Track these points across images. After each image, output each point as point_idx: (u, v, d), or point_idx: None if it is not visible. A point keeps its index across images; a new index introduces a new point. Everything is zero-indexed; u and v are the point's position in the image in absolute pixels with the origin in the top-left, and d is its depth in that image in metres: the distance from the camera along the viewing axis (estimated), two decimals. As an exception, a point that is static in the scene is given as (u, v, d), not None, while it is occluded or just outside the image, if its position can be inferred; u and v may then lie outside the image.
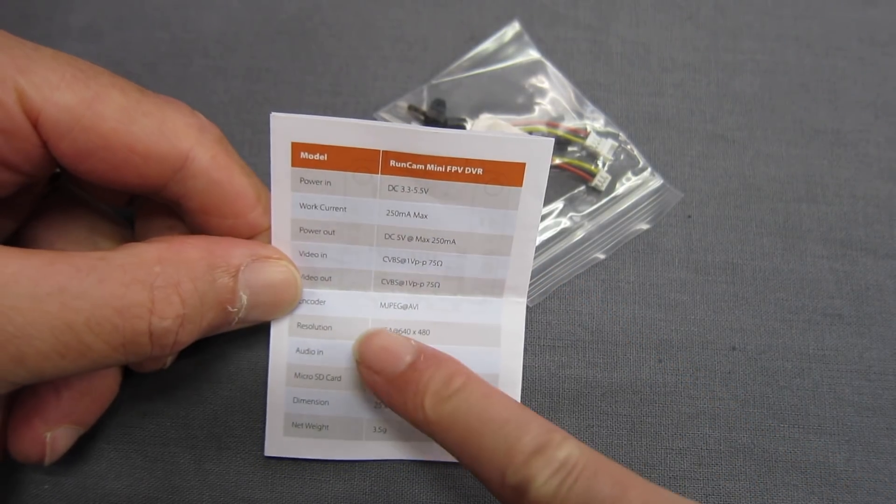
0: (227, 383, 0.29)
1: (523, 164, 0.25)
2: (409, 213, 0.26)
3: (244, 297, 0.24)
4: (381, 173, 0.25)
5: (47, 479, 0.28)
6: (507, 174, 0.25)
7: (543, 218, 0.30)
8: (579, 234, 0.30)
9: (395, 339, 0.25)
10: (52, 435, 0.24)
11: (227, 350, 0.29)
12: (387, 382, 0.25)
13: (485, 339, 0.27)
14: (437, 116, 0.31)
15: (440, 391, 0.23)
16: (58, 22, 0.33)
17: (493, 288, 0.27)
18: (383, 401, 0.25)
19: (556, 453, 0.21)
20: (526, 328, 0.29)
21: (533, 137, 0.25)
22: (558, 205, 0.30)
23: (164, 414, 0.29)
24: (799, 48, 0.33)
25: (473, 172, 0.25)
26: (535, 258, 0.29)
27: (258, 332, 0.29)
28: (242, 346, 0.29)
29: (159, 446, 0.28)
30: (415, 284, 0.27)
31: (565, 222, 0.30)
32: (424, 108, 0.31)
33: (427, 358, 0.25)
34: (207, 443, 0.28)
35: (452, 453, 0.23)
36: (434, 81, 0.32)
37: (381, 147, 0.24)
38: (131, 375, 0.28)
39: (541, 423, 0.22)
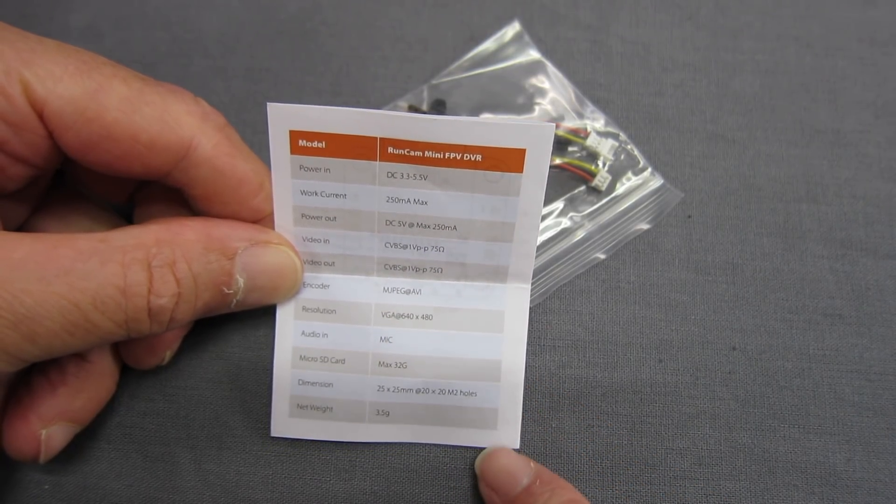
0: (227, 383, 0.29)
1: (523, 151, 0.25)
2: (408, 200, 0.26)
3: (241, 280, 0.24)
4: (380, 160, 0.25)
5: (47, 479, 0.28)
6: (507, 161, 0.25)
7: (543, 218, 0.30)
8: (579, 234, 0.30)
9: (516, 460, 0.27)
10: (47, 432, 0.24)
11: (227, 350, 0.29)
12: (505, 502, 0.26)
13: (488, 325, 0.28)
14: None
15: None
16: (58, 22, 0.33)
17: (497, 274, 0.27)
18: None
19: None
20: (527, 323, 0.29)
21: (533, 123, 0.25)
22: (558, 205, 0.30)
23: (164, 414, 0.29)
24: (799, 48, 0.33)
25: (472, 159, 0.25)
26: (535, 258, 0.29)
27: (259, 332, 0.29)
28: (242, 345, 0.29)
29: (159, 446, 0.28)
30: (417, 270, 0.27)
31: (565, 222, 0.30)
32: (424, 108, 0.31)
33: (543, 483, 0.26)
34: (207, 443, 0.28)
35: None
36: (434, 81, 0.32)
37: (379, 134, 0.24)
38: (130, 375, 0.28)
39: None
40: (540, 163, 0.25)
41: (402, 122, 0.24)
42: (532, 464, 0.27)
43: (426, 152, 0.25)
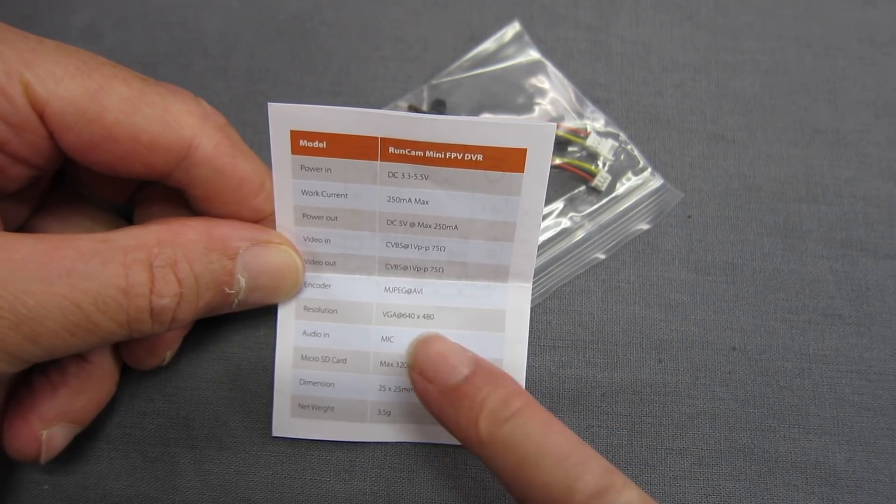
0: (227, 383, 0.29)
1: (524, 150, 0.25)
2: (409, 200, 0.26)
3: (242, 280, 0.24)
4: (381, 160, 0.25)
5: (47, 479, 0.28)
6: (508, 160, 0.25)
7: (544, 218, 0.30)
8: (580, 235, 0.30)
9: (453, 346, 0.24)
10: (48, 433, 0.24)
11: (227, 350, 0.29)
12: (440, 394, 0.23)
13: (489, 325, 0.28)
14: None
15: (497, 411, 0.22)
16: (58, 22, 0.33)
17: (498, 273, 0.27)
18: (433, 413, 0.24)
19: (617, 499, 0.20)
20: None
21: (534, 123, 0.25)
22: (558, 205, 0.30)
23: (164, 414, 0.29)
24: (799, 48, 0.33)
25: (473, 159, 0.25)
26: (535, 258, 0.29)
27: (259, 332, 0.29)
28: (242, 345, 0.29)
29: (159, 446, 0.28)
30: (419, 269, 0.27)
31: (566, 222, 0.30)
32: (424, 108, 0.31)
33: (484, 372, 0.23)
34: (207, 443, 0.28)
35: (502, 479, 0.22)
36: (434, 82, 0.32)
37: (380, 134, 0.24)
38: (130, 375, 0.28)
39: (600, 463, 0.21)
40: (541, 162, 0.25)
41: (404, 122, 0.24)
42: (470, 353, 0.24)
43: (427, 152, 0.25)
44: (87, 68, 0.22)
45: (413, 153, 0.25)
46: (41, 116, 0.21)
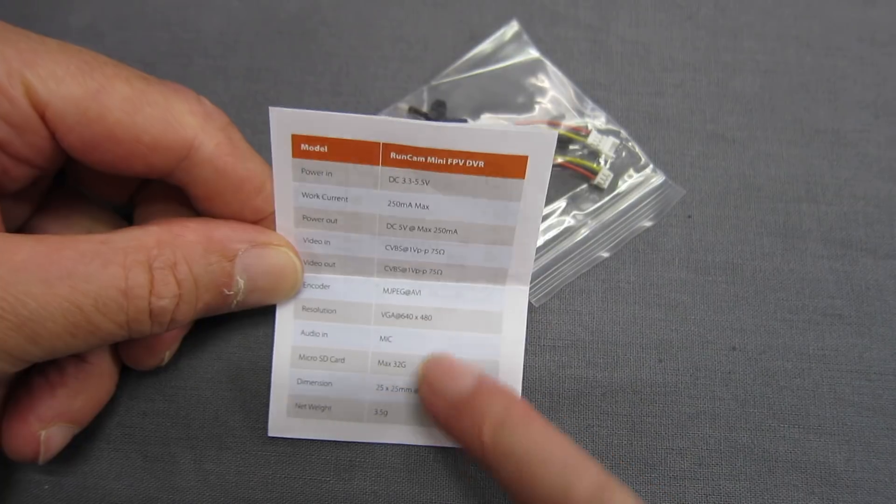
0: (227, 383, 0.29)
1: (525, 158, 0.25)
2: (410, 204, 0.26)
3: (241, 282, 0.24)
4: (382, 165, 0.25)
5: (47, 479, 0.28)
6: (510, 167, 0.25)
7: (546, 217, 0.30)
8: (583, 233, 0.30)
9: (459, 363, 0.26)
10: (46, 433, 0.24)
11: (226, 350, 0.29)
12: (448, 406, 0.25)
13: (486, 326, 0.28)
14: (437, 118, 0.31)
15: (499, 419, 0.23)
16: (58, 22, 0.33)
17: (496, 276, 0.27)
18: (441, 425, 0.25)
19: (613, 498, 0.21)
20: (526, 327, 0.29)
21: (535, 131, 0.25)
22: (560, 203, 0.30)
23: (164, 414, 0.29)
24: (799, 48, 0.33)
25: (475, 165, 0.25)
26: (539, 258, 0.30)
27: (258, 332, 0.29)
28: (242, 345, 0.29)
29: (159, 446, 0.28)
30: (417, 271, 0.27)
31: (568, 221, 0.30)
32: (425, 109, 0.31)
33: (487, 385, 0.25)
34: (207, 443, 0.28)
35: (503, 483, 0.23)
36: (434, 82, 0.32)
37: (381, 140, 0.24)
38: (130, 375, 0.28)
39: (598, 469, 0.22)
40: (542, 169, 0.25)
41: (406, 128, 0.24)
42: (475, 367, 0.26)
43: (429, 158, 0.25)
44: (89, 68, 0.21)
45: (415, 159, 0.25)
46: (43, 117, 0.21)
